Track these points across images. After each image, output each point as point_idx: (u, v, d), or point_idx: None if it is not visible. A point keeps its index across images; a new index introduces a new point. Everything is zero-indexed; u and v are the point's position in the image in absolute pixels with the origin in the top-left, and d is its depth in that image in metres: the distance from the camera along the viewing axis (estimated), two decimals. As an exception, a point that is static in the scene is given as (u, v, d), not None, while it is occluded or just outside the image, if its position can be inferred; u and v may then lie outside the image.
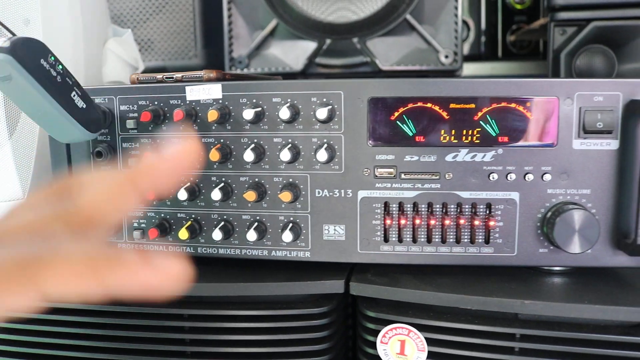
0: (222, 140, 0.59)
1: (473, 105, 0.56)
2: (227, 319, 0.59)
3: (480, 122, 0.56)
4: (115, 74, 0.79)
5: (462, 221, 0.57)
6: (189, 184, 0.60)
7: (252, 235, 0.58)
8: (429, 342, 0.56)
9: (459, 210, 0.57)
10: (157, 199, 0.32)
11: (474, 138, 0.56)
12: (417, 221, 0.58)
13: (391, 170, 0.57)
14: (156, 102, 0.60)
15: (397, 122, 0.57)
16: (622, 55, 0.94)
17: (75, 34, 0.72)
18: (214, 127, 0.59)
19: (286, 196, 0.57)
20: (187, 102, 0.59)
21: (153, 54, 1.07)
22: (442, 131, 0.56)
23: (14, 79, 0.49)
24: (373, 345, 0.58)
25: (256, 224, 0.59)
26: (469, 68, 1.28)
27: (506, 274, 0.60)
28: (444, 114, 0.56)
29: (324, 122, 0.57)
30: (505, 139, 0.56)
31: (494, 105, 0.55)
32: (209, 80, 0.59)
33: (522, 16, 1.34)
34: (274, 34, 1.04)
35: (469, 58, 1.34)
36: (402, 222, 0.58)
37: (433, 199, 0.57)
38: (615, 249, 0.56)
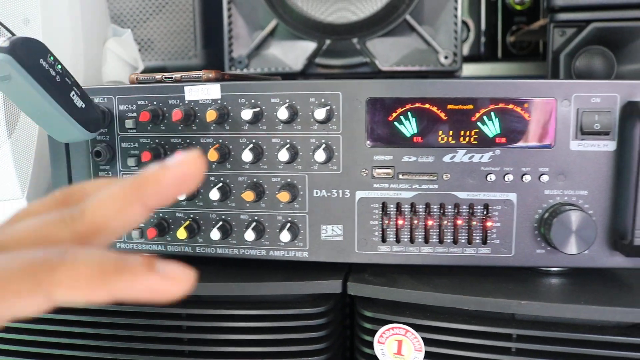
0: (220, 141, 0.59)
1: (471, 106, 0.56)
2: (225, 319, 0.59)
3: (478, 123, 0.56)
4: (115, 73, 0.79)
5: (459, 222, 0.57)
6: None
7: (250, 235, 0.58)
8: (426, 342, 0.57)
9: (456, 211, 0.57)
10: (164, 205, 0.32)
11: (472, 139, 0.56)
12: (415, 222, 0.58)
13: (389, 170, 0.57)
14: (155, 102, 0.60)
15: (395, 122, 0.57)
16: (621, 57, 0.94)
17: (75, 34, 0.72)
18: (212, 127, 0.59)
19: (284, 196, 0.57)
20: (186, 102, 0.59)
21: (153, 54, 1.07)
22: (440, 132, 0.57)
23: (13, 78, 0.49)
24: (370, 345, 0.58)
25: (254, 223, 0.59)
26: (468, 69, 1.28)
27: (503, 274, 0.60)
28: (442, 114, 0.56)
29: (322, 122, 0.57)
30: (503, 139, 0.56)
31: (492, 106, 0.56)
32: (208, 80, 0.60)
33: (522, 17, 1.34)
34: (274, 34, 1.05)
35: (469, 59, 1.34)
36: (400, 222, 0.58)
37: (431, 200, 0.57)
38: (612, 249, 0.56)
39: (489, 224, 0.57)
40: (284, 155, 0.57)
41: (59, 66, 0.52)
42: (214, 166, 0.60)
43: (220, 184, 0.59)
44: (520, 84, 0.55)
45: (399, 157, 0.57)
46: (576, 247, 0.55)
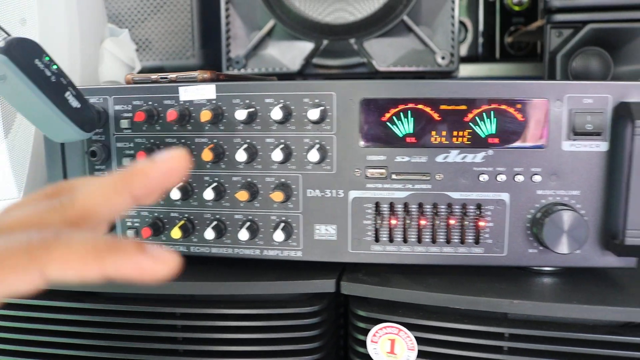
0: (215, 141, 0.59)
1: (464, 107, 0.56)
2: (220, 318, 0.60)
3: (471, 123, 0.56)
4: (111, 73, 0.79)
5: (452, 221, 0.58)
6: (182, 183, 0.60)
7: (244, 235, 0.59)
8: (419, 341, 0.57)
9: (449, 211, 0.58)
10: (149, 202, 0.34)
11: (465, 139, 0.57)
12: (408, 221, 0.58)
13: (382, 170, 0.58)
14: (150, 102, 0.60)
15: (389, 123, 0.57)
16: (618, 58, 0.94)
17: (71, 34, 0.72)
18: (207, 127, 0.59)
19: (278, 196, 0.58)
20: (181, 102, 0.60)
21: (151, 54, 1.07)
22: (433, 132, 0.57)
23: (8, 78, 0.49)
24: (364, 344, 0.59)
25: (248, 223, 0.60)
26: (466, 69, 1.29)
27: (496, 274, 0.60)
28: (435, 115, 0.57)
29: (316, 122, 0.57)
30: (496, 140, 0.56)
31: (485, 107, 0.56)
32: (203, 80, 0.60)
33: (520, 18, 1.35)
34: (272, 34, 1.05)
35: (467, 59, 1.34)
36: (393, 222, 0.58)
37: (424, 200, 0.58)
38: (604, 249, 0.57)
39: (481, 223, 0.57)
40: (277, 155, 0.57)
41: (54, 66, 0.53)
42: (208, 166, 0.60)
43: (215, 184, 0.60)
44: (512, 84, 0.56)
45: (392, 157, 0.57)
46: (568, 247, 0.55)
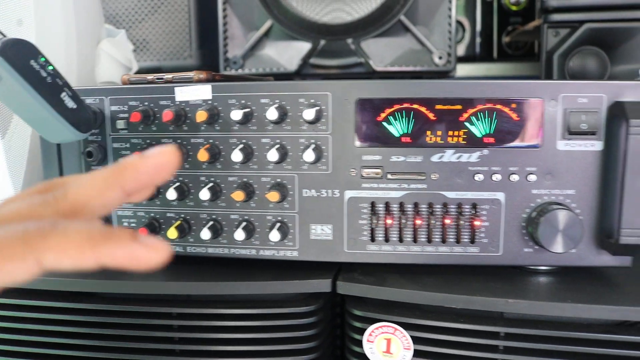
0: (210, 141, 0.60)
1: (459, 107, 0.56)
2: (216, 318, 0.60)
3: (466, 123, 0.56)
4: (108, 74, 0.80)
5: (448, 221, 0.58)
6: (178, 183, 0.60)
7: (240, 235, 0.59)
8: (415, 340, 0.57)
9: (445, 211, 0.58)
10: (140, 197, 0.35)
11: (460, 139, 0.57)
12: (404, 221, 0.58)
13: (378, 170, 0.58)
14: (146, 103, 0.60)
15: (384, 123, 0.57)
16: (614, 57, 0.94)
17: (68, 35, 0.73)
18: (203, 128, 0.60)
19: (274, 196, 0.58)
20: (177, 102, 0.60)
21: (148, 54, 1.07)
22: (428, 132, 0.57)
23: (3, 79, 0.49)
24: (360, 343, 0.59)
25: (244, 223, 0.60)
26: (464, 69, 1.29)
27: (492, 273, 0.60)
28: (430, 115, 0.57)
29: (311, 122, 0.57)
30: (491, 139, 0.56)
31: (480, 107, 0.56)
32: (199, 81, 0.60)
33: (518, 17, 1.35)
34: (269, 34, 1.05)
35: (465, 59, 1.34)
36: (389, 222, 0.58)
37: (419, 199, 0.58)
38: (599, 248, 0.57)
39: (477, 223, 0.58)
40: (273, 155, 0.57)
41: (50, 67, 0.53)
42: (204, 166, 0.60)
43: (211, 184, 0.60)
44: (507, 84, 0.56)
45: (387, 157, 0.58)
46: (563, 246, 0.55)
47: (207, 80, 0.60)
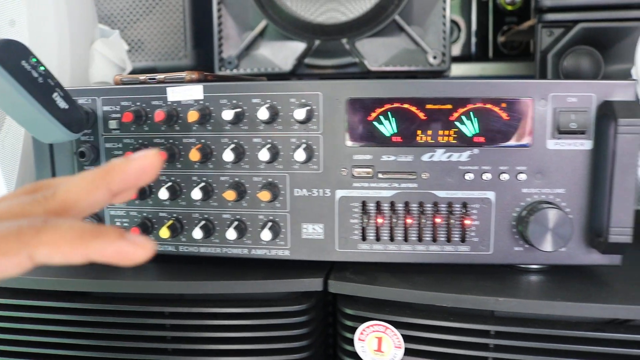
0: (202, 141, 0.60)
1: (449, 106, 0.57)
2: (208, 317, 0.60)
3: (457, 122, 0.57)
4: (102, 74, 0.80)
5: (438, 220, 0.58)
6: (170, 183, 0.61)
7: (232, 234, 0.59)
8: (406, 339, 0.57)
9: (435, 210, 0.58)
10: (125, 198, 0.37)
11: (450, 138, 0.57)
12: (394, 220, 0.58)
13: (369, 170, 0.58)
14: (138, 103, 0.61)
15: (375, 122, 0.57)
16: (608, 57, 0.95)
17: (61, 35, 0.73)
18: (194, 128, 0.60)
19: (265, 195, 0.58)
20: (169, 102, 0.60)
21: (143, 55, 1.07)
22: (419, 131, 0.57)
23: (-5, 80, 0.50)
24: (351, 342, 0.59)
25: (236, 223, 0.60)
26: (459, 69, 1.29)
27: (483, 272, 0.60)
28: (421, 114, 0.57)
29: (302, 122, 0.58)
30: (481, 139, 0.57)
31: (470, 106, 0.56)
32: (191, 81, 0.60)
33: (513, 17, 1.35)
34: (264, 34, 1.05)
35: (460, 59, 1.35)
36: (380, 221, 0.59)
37: (410, 198, 0.58)
38: (589, 247, 0.57)
39: (467, 222, 0.58)
40: (264, 155, 0.57)
41: (42, 67, 0.53)
42: (196, 166, 0.60)
43: (203, 184, 0.60)
44: (497, 84, 0.56)
45: (378, 156, 0.58)
46: (552, 245, 0.55)
47: (198, 81, 0.60)
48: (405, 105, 0.57)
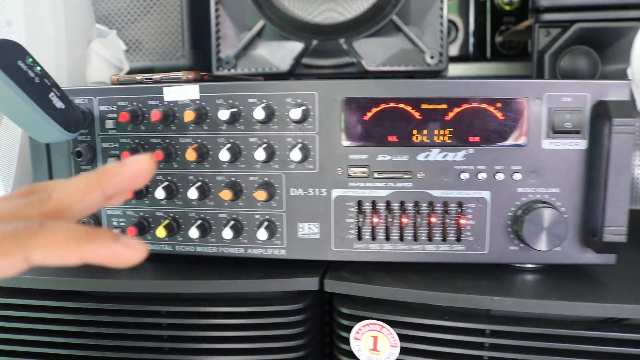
0: (199, 140, 0.60)
1: (444, 106, 0.57)
2: (205, 316, 0.60)
3: (452, 122, 0.57)
4: (99, 75, 0.80)
5: (434, 219, 0.58)
6: (166, 183, 0.61)
7: (228, 234, 0.59)
8: (401, 338, 0.57)
9: (431, 209, 0.58)
10: (119, 201, 0.38)
11: (446, 138, 0.57)
12: (390, 219, 0.59)
13: (364, 169, 0.58)
14: (135, 103, 0.61)
15: (370, 122, 0.58)
16: (605, 57, 0.95)
17: (58, 35, 0.73)
18: (191, 127, 0.60)
19: (261, 195, 0.58)
20: (165, 102, 0.60)
21: (141, 55, 1.08)
22: (414, 131, 0.57)
23: (-9, 80, 0.50)
24: (347, 341, 0.59)
25: (232, 222, 0.60)
26: (457, 69, 1.29)
27: (478, 271, 0.61)
28: (416, 114, 0.57)
29: (298, 122, 0.58)
30: (476, 138, 0.57)
31: (465, 106, 0.57)
32: (187, 81, 0.61)
33: (511, 17, 1.35)
34: (261, 34, 1.06)
35: (458, 59, 1.35)
36: (375, 220, 0.59)
37: (405, 198, 0.58)
38: (584, 246, 0.57)
39: (463, 221, 0.58)
40: (260, 154, 0.57)
41: (38, 67, 0.53)
42: (192, 166, 0.60)
43: (199, 183, 0.60)
44: (492, 83, 0.56)
45: (374, 156, 0.58)
46: (547, 244, 0.56)
47: (195, 81, 0.61)
48: (401, 105, 0.57)
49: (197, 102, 0.59)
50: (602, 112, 0.54)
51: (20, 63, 0.51)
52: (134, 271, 0.62)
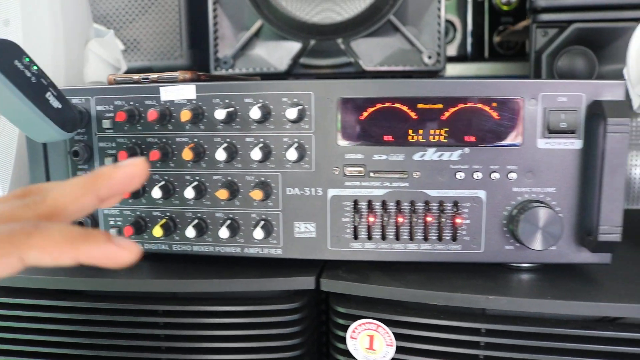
0: (195, 140, 0.60)
1: (440, 106, 0.57)
2: (201, 315, 0.61)
3: (447, 122, 0.57)
4: (96, 74, 0.80)
5: (429, 219, 0.58)
6: (163, 182, 0.61)
7: (224, 233, 0.60)
8: (397, 337, 0.58)
9: (426, 208, 0.59)
10: (113, 203, 0.38)
11: (441, 137, 0.57)
12: (386, 219, 0.59)
13: (360, 169, 0.58)
14: (132, 103, 0.61)
15: (366, 122, 0.58)
16: (602, 57, 0.95)
17: (55, 35, 0.73)
18: (187, 127, 0.60)
19: (257, 194, 0.58)
20: (162, 102, 0.60)
21: (139, 55, 1.08)
22: (410, 131, 0.58)
23: (-13, 80, 0.50)
24: (343, 340, 0.59)
25: (229, 221, 0.61)
26: (455, 69, 1.30)
27: (475, 270, 0.61)
28: (412, 114, 0.57)
29: (294, 122, 0.58)
30: (472, 138, 0.57)
31: (461, 106, 0.57)
32: (184, 81, 0.61)
33: (509, 17, 1.35)
34: (259, 34, 1.06)
35: (456, 59, 1.35)
36: (371, 219, 0.59)
37: (401, 197, 0.59)
38: (579, 245, 0.57)
39: (458, 221, 0.58)
40: (257, 154, 0.58)
41: (35, 67, 0.53)
42: (189, 165, 0.61)
43: (196, 183, 0.60)
44: (488, 83, 0.56)
45: (370, 155, 0.58)
46: (542, 243, 0.56)
47: (191, 80, 0.61)
48: (397, 105, 0.57)
49: (194, 101, 0.60)
50: (597, 112, 0.54)
51: (16, 63, 0.51)
52: (131, 270, 0.62)
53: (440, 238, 0.59)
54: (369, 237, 0.60)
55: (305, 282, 0.60)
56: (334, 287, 0.59)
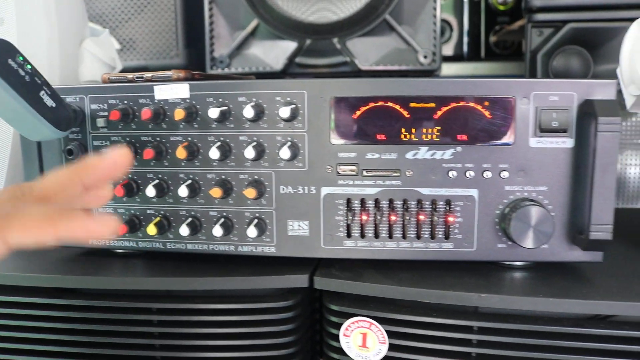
0: (189, 139, 0.60)
1: (432, 105, 0.57)
2: (195, 313, 0.61)
3: (440, 120, 0.57)
4: (91, 73, 0.80)
5: (422, 217, 0.59)
6: (157, 180, 0.61)
7: (218, 231, 0.60)
8: (390, 334, 0.58)
9: (419, 207, 0.59)
10: (101, 195, 0.40)
11: (434, 136, 0.58)
12: (379, 217, 0.59)
13: (353, 167, 0.59)
14: (126, 101, 0.61)
15: (359, 120, 0.58)
16: (597, 57, 0.95)
17: (50, 34, 0.73)
18: (181, 126, 0.60)
19: (251, 193, 0.58)
20: (156, 101, 0.61)
21: (135, 54, 1.08)
22: (403, 129, 0.58)
23: (-19, 78, 0.50)
24: (337, 338, 0.60)
25: (222, 220, 0.61)
26: (451, 68, 1.30)
27: (467, 268, 0.61)
28: (405, 112, 0.58)
29: (287, 120, 0.58)
30: (464, 137, 0.57)
31: (453, 105, 0.57)
32: (178, 80, 0.61)
33: (505, 17, 1.36)
34: (255, 33, 1.06)
35: (452, 58, 1.35)
36: (364, 218, 0.59)
37: (394, 196, 0.59)
38: (571, 244, 0.58)
39: (451, 219, 0.58)
40: (250, 152, 0.58)
41: (28, 66, 0.53)
42: (183, 164, 0.61)
43: (189, 181, 0.61)
44: (480, 82, 0.57)
45: (363, 154, 0.58)
46: (534, 242, 0.56)
47: (185, 79, 0.61)
48: (390, 104, 0.58)
49: (188, 100, 0.60)
50: (588, 111, 0.55)
51: (10, 61, 0.51)
52: (124, 268, 0.63)
53: (432, 236, 0.59)
54: (362, 236, 0.60)
55: (299, 280, 0.60)
56: (328, 285, 0.60)
